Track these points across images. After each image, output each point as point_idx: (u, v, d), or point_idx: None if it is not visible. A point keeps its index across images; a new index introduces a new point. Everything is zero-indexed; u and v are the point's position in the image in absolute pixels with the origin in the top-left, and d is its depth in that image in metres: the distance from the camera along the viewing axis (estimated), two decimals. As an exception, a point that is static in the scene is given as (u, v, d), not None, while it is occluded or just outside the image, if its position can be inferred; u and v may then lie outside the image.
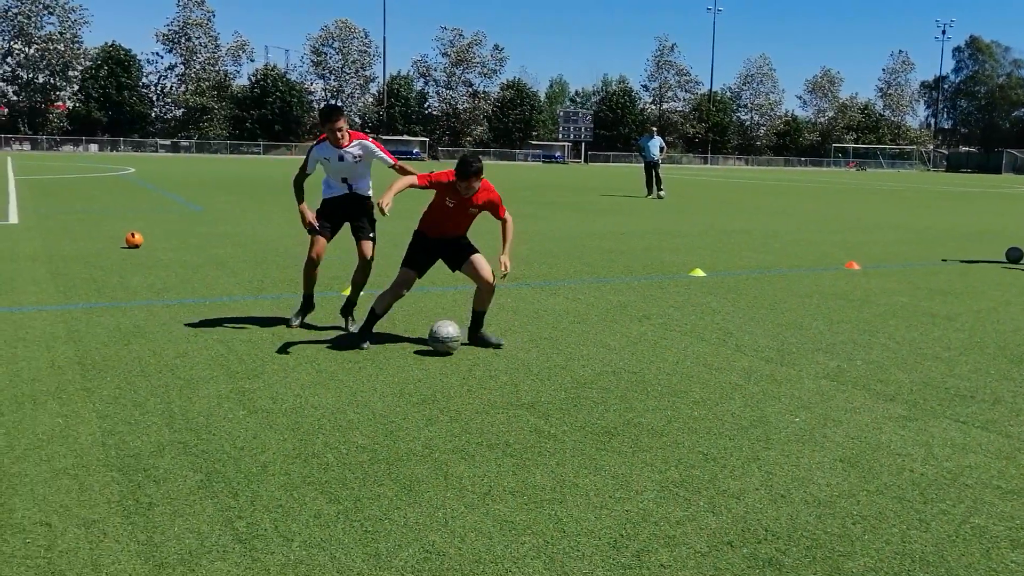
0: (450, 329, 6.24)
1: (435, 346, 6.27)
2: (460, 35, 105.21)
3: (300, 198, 7.09)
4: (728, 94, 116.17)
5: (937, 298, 9.17)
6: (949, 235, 16.72)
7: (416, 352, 6.29)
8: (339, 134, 6.83)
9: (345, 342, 6.54)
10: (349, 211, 7.20)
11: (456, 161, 6.54)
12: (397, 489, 3.81)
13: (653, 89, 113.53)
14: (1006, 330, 7.55)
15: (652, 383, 5.59)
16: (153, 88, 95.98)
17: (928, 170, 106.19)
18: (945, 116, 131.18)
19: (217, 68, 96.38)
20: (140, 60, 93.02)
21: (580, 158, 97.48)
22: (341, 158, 6.93)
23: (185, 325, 7.03)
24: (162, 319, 7.25)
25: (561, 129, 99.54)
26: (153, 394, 5.15)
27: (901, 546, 3.38)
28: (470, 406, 5.02)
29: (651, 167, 26.50)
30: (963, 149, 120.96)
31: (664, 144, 27.48)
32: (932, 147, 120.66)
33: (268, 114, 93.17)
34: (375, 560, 3.18)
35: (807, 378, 5.82)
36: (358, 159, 6.99)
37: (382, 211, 6.08)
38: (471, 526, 3.46)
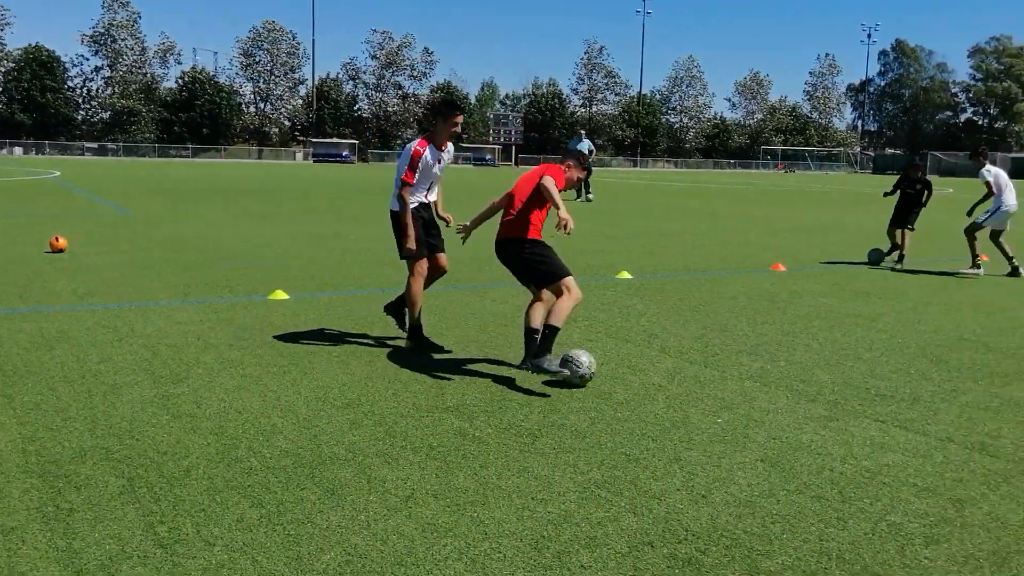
0: (584, 358, 5.53)
1: (575, 379, 5.52)
2: (390, 38, 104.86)
3: (409, 217, 6.31)
4: (657, 97, 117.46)
5: (860, 299, 9.39)
6: (874, 237, 17.11)
7: (341, 356, 6.23)
8: (455, 130, 6.35)
9: (267, 355, 6.46)
10: (427, 223, 6.57)
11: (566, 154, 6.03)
12: (320, 493, 3.77)
13: (582, 92, 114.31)
14: (926, 330, 7.76)
15: (576, 384, 5.62)
16: (78, 91, 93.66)
17: (855, 172, 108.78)
18: (871, 119, 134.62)
19: (144, 70, 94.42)
20: (64, 62, 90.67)
21: (511, 160, 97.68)
22: (439, 160, 6.43)
23: (110, 330, 6.87)
24: (86, 324, 7.08)
25: (492, 132, 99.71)
26: (75, 400, 5.03)
27: (819, 544, 3.44)
28: (395, 409, 4.99)
29: None
30: (889, 151, 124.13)
31: (593, 147, 27.65)
32: (859, 149, 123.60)
33: (197, 117, 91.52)
34: (297, 563, 3.15)
35: (731, 379, 5.90)
36: (444, 165, 6.56)
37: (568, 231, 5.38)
38: (393, 529, 3.44)
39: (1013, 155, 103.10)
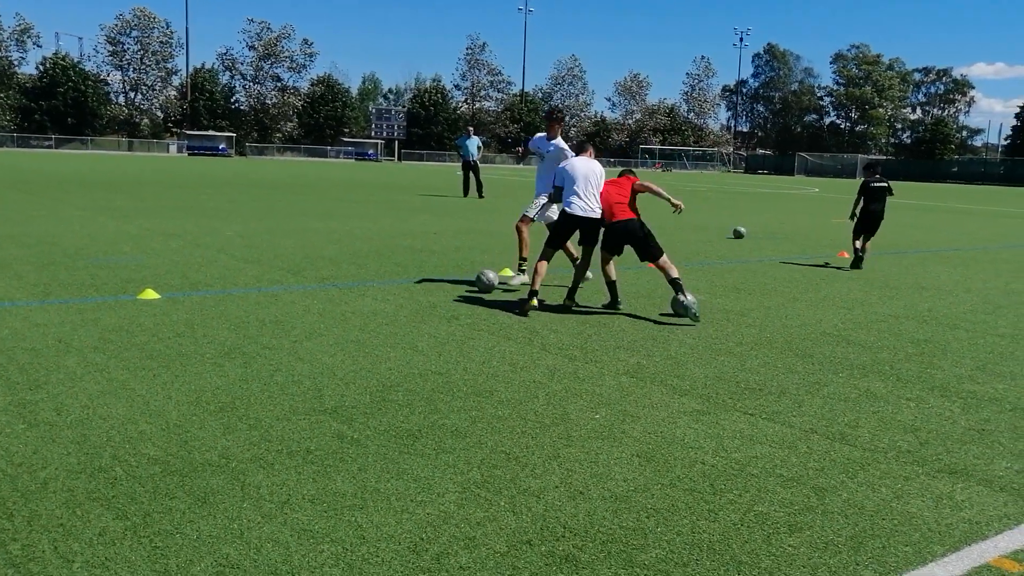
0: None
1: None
2: (268, 28, 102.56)
3: None
4: (540, 95, 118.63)
5: (732, 295, 9.68)
6: (747, 234, 17.69)
7: (214, 358, 6.04)
8: None
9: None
10: None
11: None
12: (190, 501, 3.65)
13: (465, 88, 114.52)
14: (793, 325, 8.07)
15: (458, 384, 5.61)
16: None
17: (729, 171, 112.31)
18: (744, 120, 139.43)
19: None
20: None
21: (394, 156, 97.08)
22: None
23: (-42, 333, 6.49)
24: (-68, 327, 6.67)
25: (374, 127, 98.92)
26: (-83, 410, 4.72)
27: (691, 536, 3.53)
28: (271, 413, 4.87)
29: (469, 167, 26.71)
30: (760, 152, 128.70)
31: (481, 144, 27.78)
32: (732, 149, 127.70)
33: (60, 105, 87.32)
34: (164, 578, 3.03)
35: (608, 375, 6.00)
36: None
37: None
38: (268, 536, 3.36)
39: (872, 156, 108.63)
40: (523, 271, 9.77)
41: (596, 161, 8.55)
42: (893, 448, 4.73)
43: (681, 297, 8.04)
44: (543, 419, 4.96)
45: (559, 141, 9.56)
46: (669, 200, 8.36)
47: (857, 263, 12.51)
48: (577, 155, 8.68)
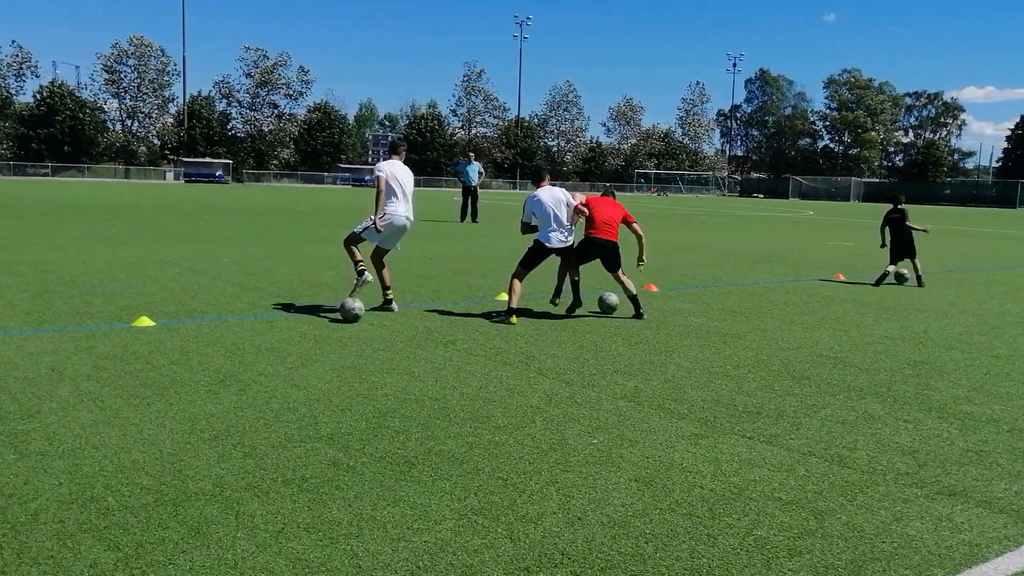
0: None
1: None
2: (264, 56, 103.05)
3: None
4: (535, 120, 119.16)
5: (728, 318, 9.67)
6: (740, 258, 17.71)
7: (209, 385, 6.01)
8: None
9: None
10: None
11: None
12: (184, 532, 3.61)
13: (462, 114, 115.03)
14: (789, 348, 8.05)
15: (455, 409, 5.58)
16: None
17: (723, 195, 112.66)
18: (738, 144, 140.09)
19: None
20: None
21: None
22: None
23: (-48, 362, 6.45)
24: (-75, 356, 6.62)
25: (371, 152, 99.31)
26: (-91, 440, 4.67)
27: (690, 562, 3.49)
28: (266, 440, 4.83)
29: (469, 192, 26.82)
30: (754, 175, 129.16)
31: (482, 169, 27.93)
32: (727, 173, 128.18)
33: (57, 133, 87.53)
34: (156, 610, 2.99)
35: (606, 399, 5.97)
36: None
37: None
38: (262, 566, 3.32)
39: (866, 180, 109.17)
40: (362, 271, 9.13)
41: (557, 188, 9.42)
42: (891, 470, 4.70)
43: (608, 298, 9.57)
44: (540, 444, 4.93)
45: None
46: (642, 252, 9.54)
47: (883, 281, 13.65)
48: (537, 185, 9.38)
